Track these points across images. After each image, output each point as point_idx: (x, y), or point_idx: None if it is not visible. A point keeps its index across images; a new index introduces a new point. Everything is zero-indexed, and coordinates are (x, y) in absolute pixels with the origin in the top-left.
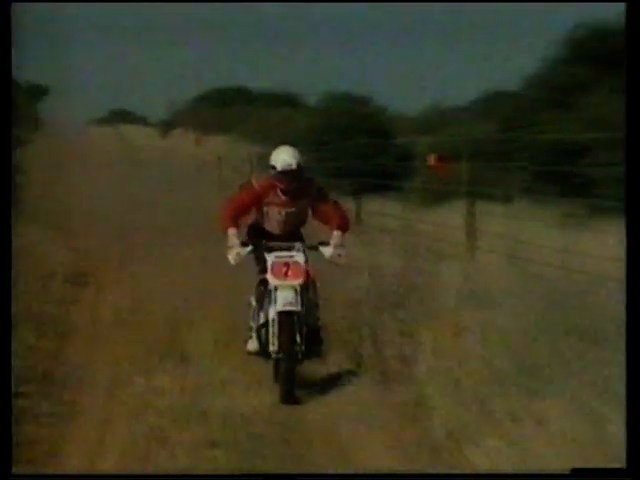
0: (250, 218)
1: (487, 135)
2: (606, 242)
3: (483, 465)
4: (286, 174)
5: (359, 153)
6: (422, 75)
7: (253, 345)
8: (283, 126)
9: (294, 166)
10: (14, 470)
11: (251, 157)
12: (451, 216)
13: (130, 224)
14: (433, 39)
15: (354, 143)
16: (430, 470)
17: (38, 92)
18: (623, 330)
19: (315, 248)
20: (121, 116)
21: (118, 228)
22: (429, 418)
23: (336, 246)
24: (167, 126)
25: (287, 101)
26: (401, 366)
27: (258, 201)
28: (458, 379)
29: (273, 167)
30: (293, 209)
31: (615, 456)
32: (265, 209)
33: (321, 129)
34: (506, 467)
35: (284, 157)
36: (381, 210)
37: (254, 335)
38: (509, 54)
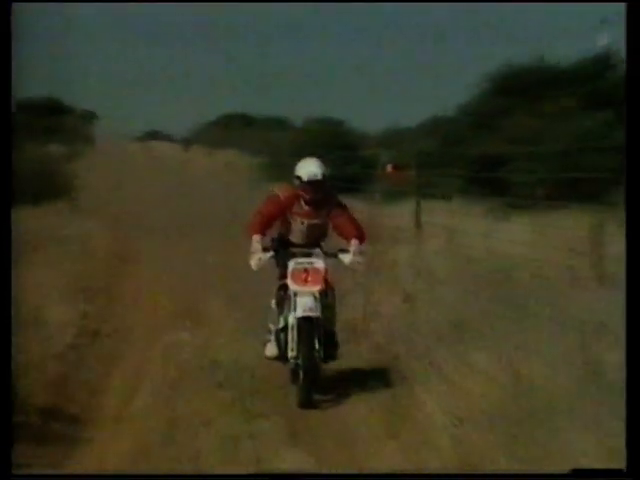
0: (276, 230)
1: (431, 149)
2: (520, 230)
3: (428, 400)
4: (311, 184)
5: (333, 163)
6: (382, 103)
7: (272, 350)
8: (275, 142)
9: (319, 176)
10: (14, 470)
11: (251, 166)
12: (403, 211)
13: (159, 216)
14: (391, 73)
15: (330, 155)
16: (430, 469)
17: (89, 116)
18: (535, 297)
19: (334, 255)
20: (152, 135)
21: (150, 219)
22: (386, 365)
23: (355, 254)
24: (187, 142)
25: (278, 123)
26: (362, 324)
27: (283, 211)
28: (408, 334)
29: (298, 178)
30: (315, 220)
31: (525, 390)
32: (289, 220)
33: (304, 145)
34: (444, 401)
35: (310, 168)
36: (349, 207)
37: (273, 339)
38: (449, 88)
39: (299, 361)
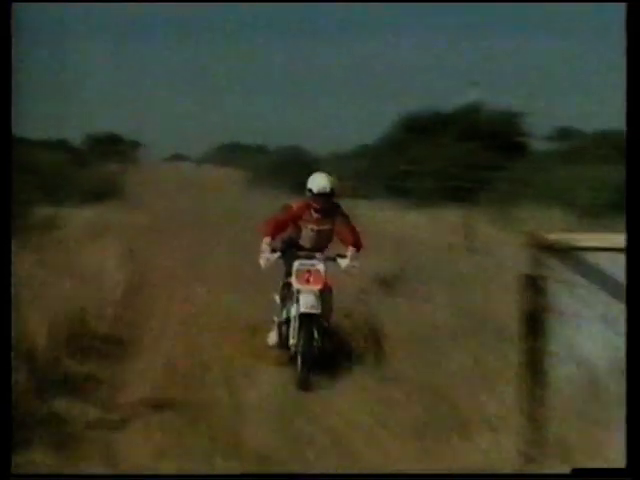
0: (288, 235)
1: (362, 167)
2: (419, 219)
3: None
4: (321, 196)
5: (297, 181)
6: (327, 132)
7: (273, 339)
8: (257, 164)
9: (328, 189)
10: (13, 470)
11: (241, 179)
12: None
13: (181, 210)
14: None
15: (294, 175)
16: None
17: (135, 144)
18: (429, 261)
19: (333, 259)
20: (175, 157)
21: (175, 212)
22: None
23: (351, 259)
24: (199, 162)
25: (259, 150)
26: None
27: (295, 219)
28: (340, 294)
29: (310, 190)
30: (323, 227)
31: (427, 321)
32: (301, 226)
33: (278, 167)
34: (370, 331)
35: (320, 182)
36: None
37: (275, 329)
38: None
39: (299, 349)
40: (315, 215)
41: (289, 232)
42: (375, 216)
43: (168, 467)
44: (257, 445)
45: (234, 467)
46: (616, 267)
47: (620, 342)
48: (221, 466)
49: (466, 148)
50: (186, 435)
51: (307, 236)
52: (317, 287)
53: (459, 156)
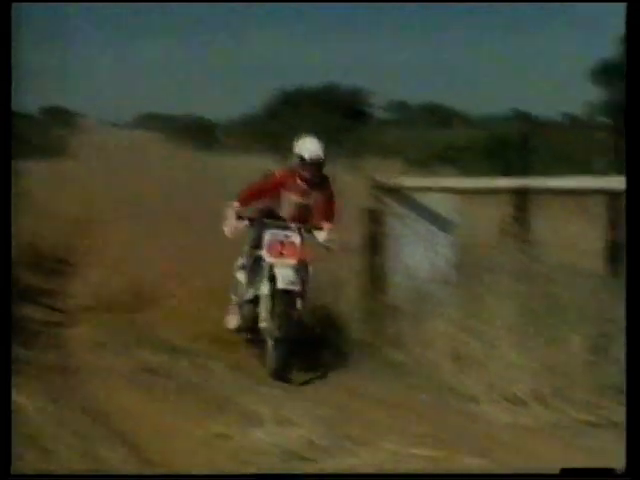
0: (265, 203)
1: (248, 131)
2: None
3: None
4: (313, 164)
5: (197, 139)
6: (223, 104)
7: (233, 322)
8: (169, 128)
9: (322, 157)
10: (13, 470)
11: (159, 141)
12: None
13: (118, 165)
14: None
15: (195, 135)
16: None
17: (79, 115)
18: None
19: (309, 231)
20: (111, 124)
21: (112, 167)
22: None
23: (329, 232)
24: (125, 128)
25: (170, 118)
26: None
27: (277, 188)
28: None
29: (300, 157)
30: (307, 200)
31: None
32: (283, 195)
33: (184, 130)
34: None
35: (312, 148)
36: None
37: (236, 310)
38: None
39: (273, 332)
40: (301, 185)
41: (266, 202)
42: (256, 168)
43: (104, 355)
44: (171, 339)
45: (153, 356)
46: (435, 203)
47: (435, 259)
48: (142, 355)
49: (327, 116)
50: (118, 332)
51: (288, 208)
52: (292, 260)
53: (322, 122)
